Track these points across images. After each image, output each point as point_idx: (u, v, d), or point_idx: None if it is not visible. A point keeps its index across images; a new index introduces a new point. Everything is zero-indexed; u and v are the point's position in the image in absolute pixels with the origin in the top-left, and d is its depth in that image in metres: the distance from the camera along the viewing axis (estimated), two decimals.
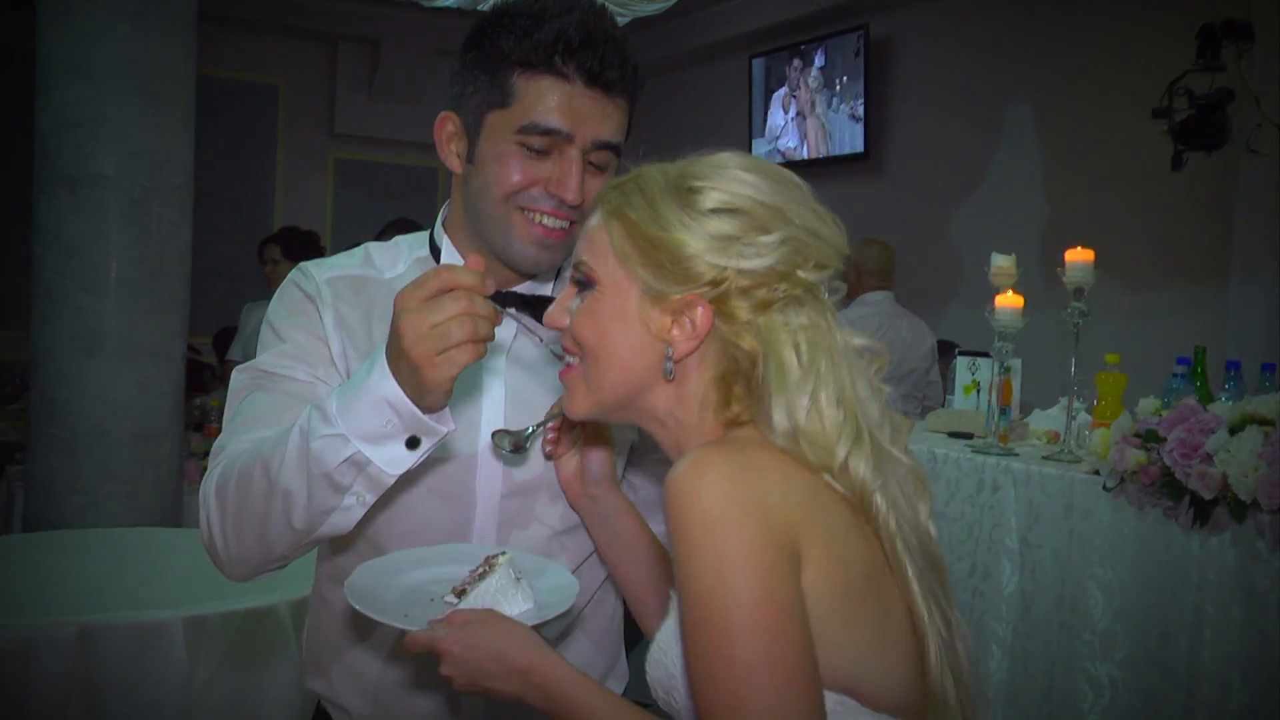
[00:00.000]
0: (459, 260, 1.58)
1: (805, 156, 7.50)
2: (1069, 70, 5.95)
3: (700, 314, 1.20)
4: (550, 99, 1.44)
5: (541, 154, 1.45)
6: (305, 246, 5.47)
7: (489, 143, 1.48)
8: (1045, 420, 3.59)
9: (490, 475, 1.55)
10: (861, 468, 1.16)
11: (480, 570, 1.35)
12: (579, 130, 1.45)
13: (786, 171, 1.25)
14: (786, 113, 7.72)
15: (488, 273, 1.40)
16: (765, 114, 7.86)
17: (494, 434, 1.50)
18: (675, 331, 1.22)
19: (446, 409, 1.32)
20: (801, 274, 1.20)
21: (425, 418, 1.29)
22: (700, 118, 8.63)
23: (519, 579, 1.35)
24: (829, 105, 7.31)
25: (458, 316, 1.21)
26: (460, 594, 1.33)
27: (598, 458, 1.51)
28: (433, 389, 1.25)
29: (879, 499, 1.16)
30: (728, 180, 1.22)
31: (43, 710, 2.41)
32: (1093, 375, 3.26)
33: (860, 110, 7.08)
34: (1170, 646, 2.71)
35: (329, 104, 8.71)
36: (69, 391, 3.88)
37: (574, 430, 1.52)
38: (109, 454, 3.88)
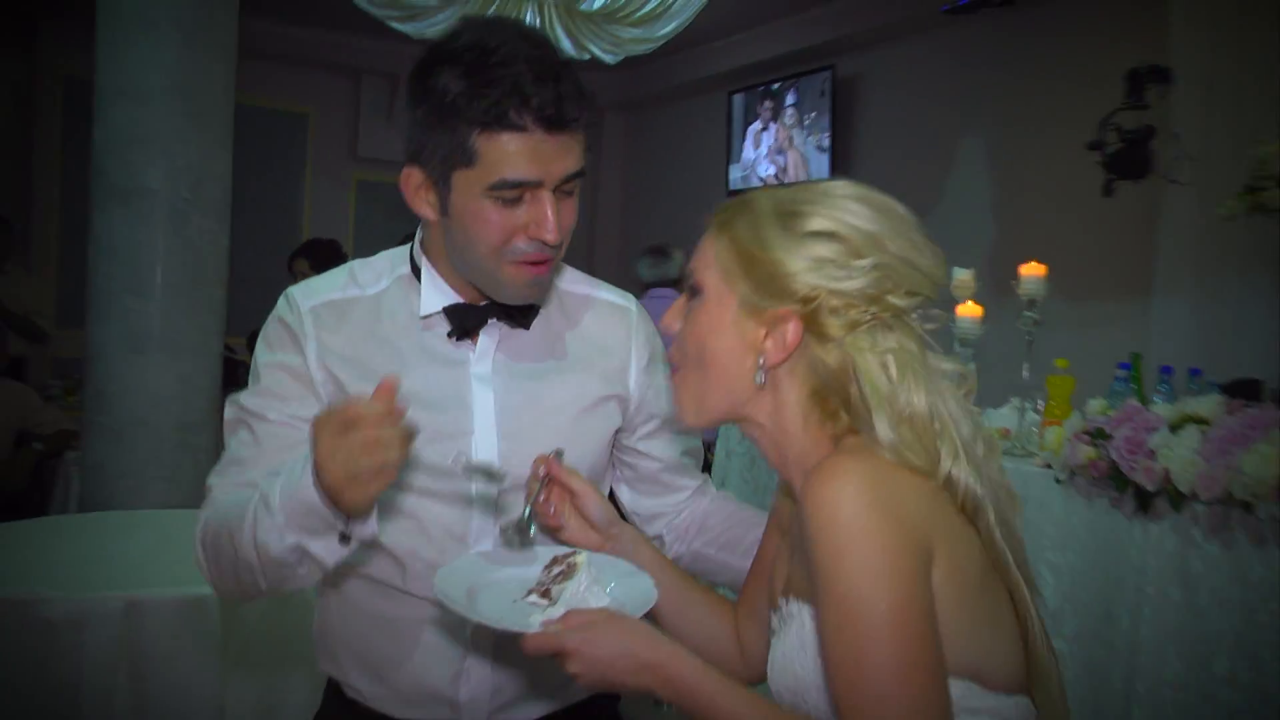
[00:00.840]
0: (442, 286, 1.47)
1: (779, 184, 7.41)
2: (1014, 107, 5.95)
3: (791, 328, 1.14)
4: (514, 154, 1.31)
5: (515, 201, 1.33)
6: (329, 257, 5.20)
7: (461, 199, 1.35)
8: (997, 419, 3.54)
9: (486, 454, 1.46)
10: (968, 479, 1.10)
11: (559, 571, 1.25)
12: (547, 174, 1.33)
13: (892, 202, 1.19)
14: (758, 148, 7.63)
15: (463, 291, 1.40)
16: (743, 144, 7.77)
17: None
18: (768, 343, 1.16)
19: (373, 516, 1.26)
20: (892, 299, 1.13)
21: (346, 524, 1.23)
22: (683, 146, 8.58)
23: (598, 578, 1.25)
24: (802, 138, 7.24)
25: (364, 448, 1.14)
26: (545, 594, 1.23)
27: (591, 502, 1.41)
28: (351, 508, 1.20)
29: (986, 505, 1.10)
30: (831, 206, 1.16)
31: (95, 676, 2.33)
32: (1037, 378, 3.22)
33: (826, 142, 7.01)
34: (1114, 623, 2.68)
35: (353, 130, 8.60)
36: (118, 385, 3.79)
37: (554, 492, 1.43)
38: (153, 442, 3.79)
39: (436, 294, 1.46)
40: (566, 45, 5.58)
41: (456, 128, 1.31)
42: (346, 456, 1.15)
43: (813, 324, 1.14)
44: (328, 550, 1.26)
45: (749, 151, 7.72)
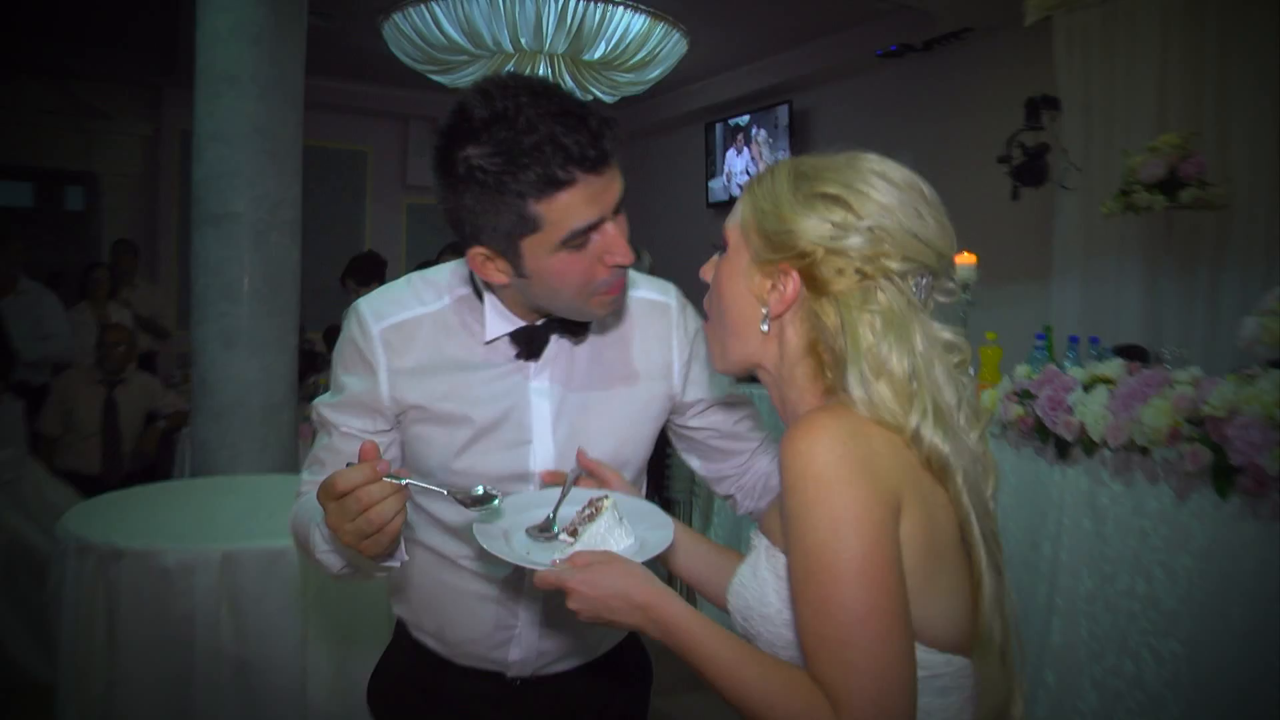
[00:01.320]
0: (505, 313, 1.24)
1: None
2: (938, 130, 5.80)
3: (792, 281, 0.99)
4: (575, 205, 1.09)
5: (585, 243, 1.13)
6: (372, 270, 5.06)
7: (535, 262, 1.13)
8: None
9: (544, 461, 1.27)
10: (934, 438, 0.92)
11: (588, 512, 1.10)
12: (604, 208, 1.12)
13: (914, 179, 1.00)
14: (729, 181, 7.43)
15: (522, 314, 1.22)
16: (723, 165, 7.55)
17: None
18: (772, 295, 1.01)
19: (399, 548, 1.13)
20: (886, 262, 0.96)
21: (377, 562, 1.12)
22: (670, 169, 8.44)
23: (622, 519, 1.10)
24: (770, 158, 7.06)
25: (360, 511, 1.01)
26: (573, 534, 1.09)
27: (618, 488, 1.23)
28: (373, 559, 1.09)
29: (953, 466, 0.93)
30: (846, 173, 0.98)
31: (204, 613, 2.25)
32: (970, 349, 3.11)
33: None
34: (1037, 550, 2.58)
35: (403, 164, 8.36)
36: (216, 374, 3.64)
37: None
38: (245, 421, 3.65)
39: (501, 320, 1.25)
40: (572, 88, 5.45)
41: (510, 203, 1.08)
42: (349, 521, 1.02)
43: (811, 279, 0.98)
44: (376, 567, 1.14)
45: (723, 175, 7.53)
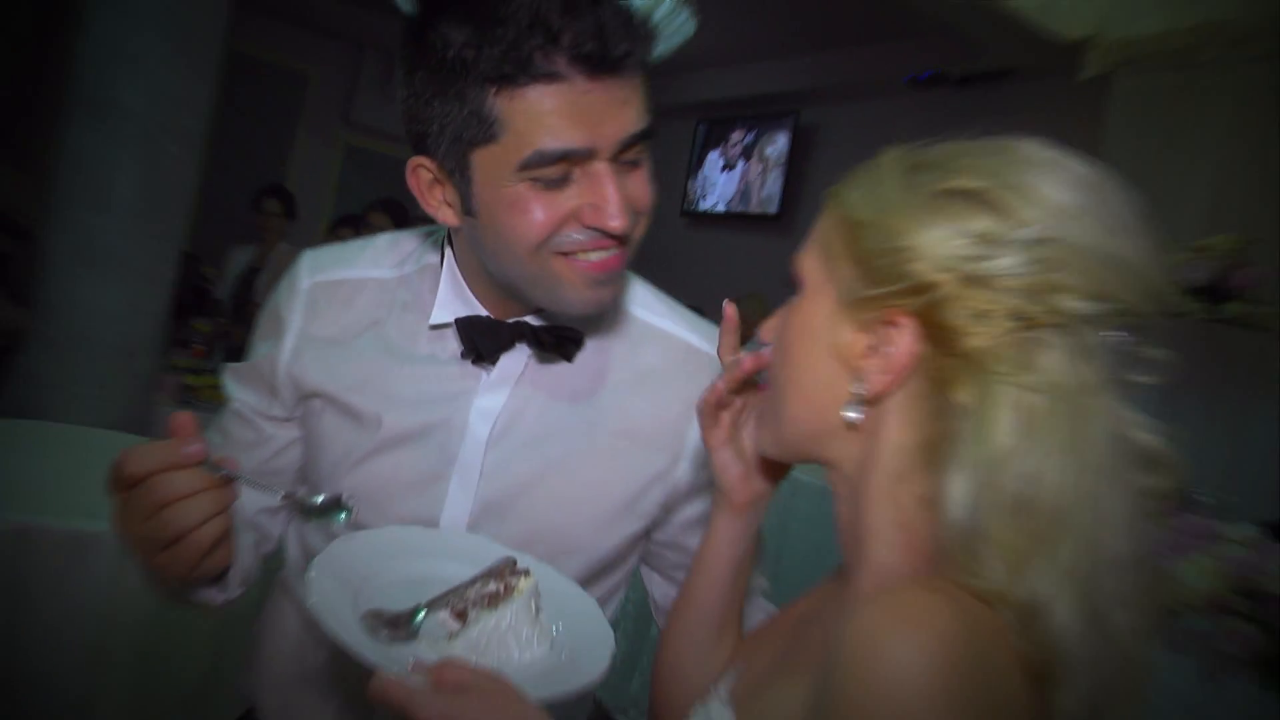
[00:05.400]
0: (463, 290, 1.05)
1: (728, 210, 6.98)
2: None
3: (904, 336, 0.69)
4: (548, 113, 0.87)
5: (560, 182, 0.90)
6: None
7: (486, 189, 0.91)
8: None
9: (456, 515, 1.03)
10: (1066, 625, 0.61)
11: (492, 589, 0.82)
12: (598, 137, 0.89)
13: (1101, 175, 0.70)
14: (707, 191, 7.16)
15: (498, 304, 1.03)
16: (700, 166, 7.29)
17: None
18: (869, 361, 0.70)
19: (227, 580, 0.98)
20: (1062, 300, 0.65)
21: (197, 592, 0.96)
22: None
23: (538, 615, 0.82)
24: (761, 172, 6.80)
25: (157, 513, 0.78)
26: (461, 615, 0.81)
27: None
28: (179, 581, 0.85)
29: (1076, 675, 0.61)
30: (992, 161, 0.68)
31: None
32: None
33: (778, 184, 6.57)
34: None
35: (349, 96, 7.71)
36: (64, 295, 3.19)
37: (744, 394, 0.91)
38: (91, 358, 3.20)
39: (454, 299, 1.05)
40: None
41: (465, 91, 0.87)
42: (141, 523, 0.78)
43: (936, 328, 0.67)
44: (206, 598, 0.96)
45: (699, 179, 7.24)
